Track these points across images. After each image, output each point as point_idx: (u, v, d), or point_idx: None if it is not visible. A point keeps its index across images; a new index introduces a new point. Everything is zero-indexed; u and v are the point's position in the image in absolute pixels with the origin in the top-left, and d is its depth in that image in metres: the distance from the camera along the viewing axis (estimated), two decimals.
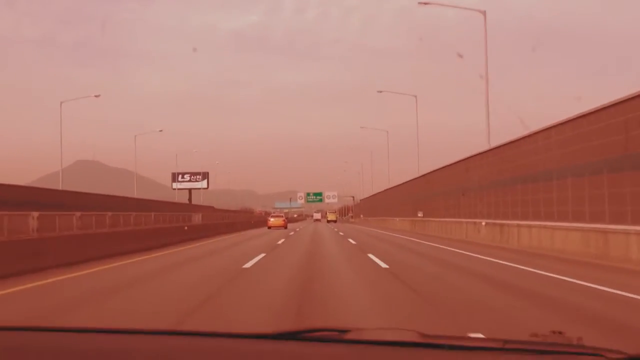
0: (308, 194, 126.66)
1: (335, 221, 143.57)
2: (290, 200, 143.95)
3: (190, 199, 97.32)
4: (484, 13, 30.46)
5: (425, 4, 31.03)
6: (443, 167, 35.74)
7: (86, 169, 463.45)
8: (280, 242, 27.48)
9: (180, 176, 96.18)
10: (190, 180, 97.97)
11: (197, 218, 46.84)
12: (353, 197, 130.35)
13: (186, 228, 32.01)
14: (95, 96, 54.70)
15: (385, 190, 68.40)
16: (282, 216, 57.71)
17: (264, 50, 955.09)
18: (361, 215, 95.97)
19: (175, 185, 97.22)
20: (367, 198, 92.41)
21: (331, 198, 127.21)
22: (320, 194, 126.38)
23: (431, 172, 39.56)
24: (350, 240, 28.67)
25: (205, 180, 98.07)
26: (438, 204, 36.15)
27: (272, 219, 54.54)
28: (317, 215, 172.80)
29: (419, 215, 41.27)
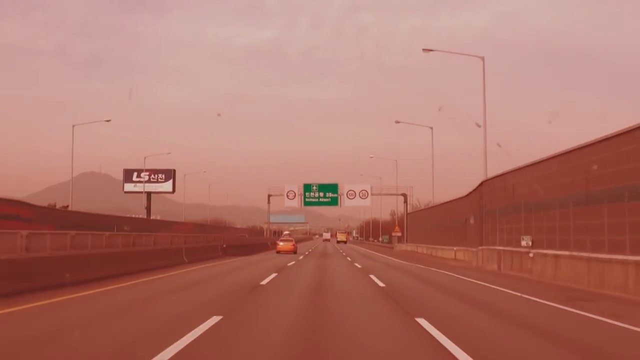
0: (307, 188, 65.77)
1: (345, 242, 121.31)
2: (270, 198, 67.42)
3: (148, 207, 72.16)
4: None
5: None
6: None
7: (91, 181, 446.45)
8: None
9: (135, 174, 70.81)
10: (149, 181, 72.67)
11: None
12: (405, 195, 68.09)
13: None
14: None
15: None
16: (292, 240, 54.35)
17: (278, 67, 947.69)
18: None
19: (128, 187, 72.26)
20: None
21: (357, 199, 66.28)
22: (333, 187, 66.37)
23: None
24: None
25: (170, 182, 72.88)
26: None
27: (281, 243, 52.43)
28: (327, 235, 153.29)
29: None
